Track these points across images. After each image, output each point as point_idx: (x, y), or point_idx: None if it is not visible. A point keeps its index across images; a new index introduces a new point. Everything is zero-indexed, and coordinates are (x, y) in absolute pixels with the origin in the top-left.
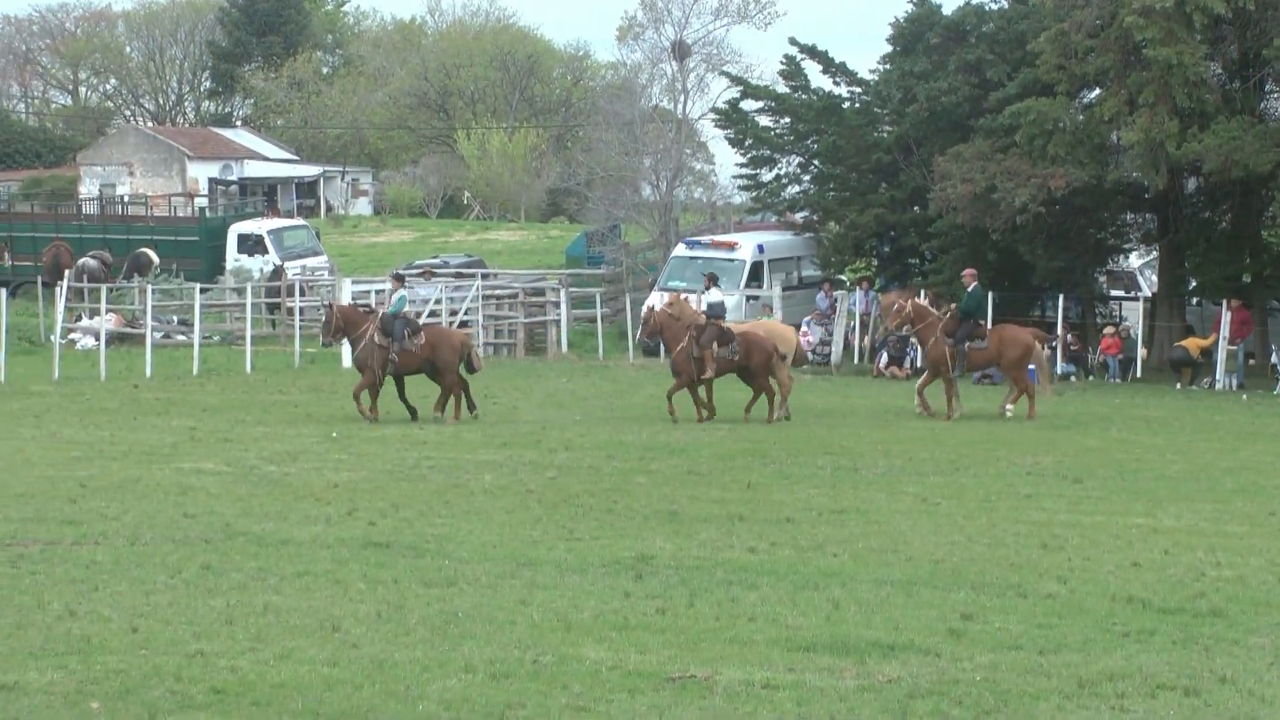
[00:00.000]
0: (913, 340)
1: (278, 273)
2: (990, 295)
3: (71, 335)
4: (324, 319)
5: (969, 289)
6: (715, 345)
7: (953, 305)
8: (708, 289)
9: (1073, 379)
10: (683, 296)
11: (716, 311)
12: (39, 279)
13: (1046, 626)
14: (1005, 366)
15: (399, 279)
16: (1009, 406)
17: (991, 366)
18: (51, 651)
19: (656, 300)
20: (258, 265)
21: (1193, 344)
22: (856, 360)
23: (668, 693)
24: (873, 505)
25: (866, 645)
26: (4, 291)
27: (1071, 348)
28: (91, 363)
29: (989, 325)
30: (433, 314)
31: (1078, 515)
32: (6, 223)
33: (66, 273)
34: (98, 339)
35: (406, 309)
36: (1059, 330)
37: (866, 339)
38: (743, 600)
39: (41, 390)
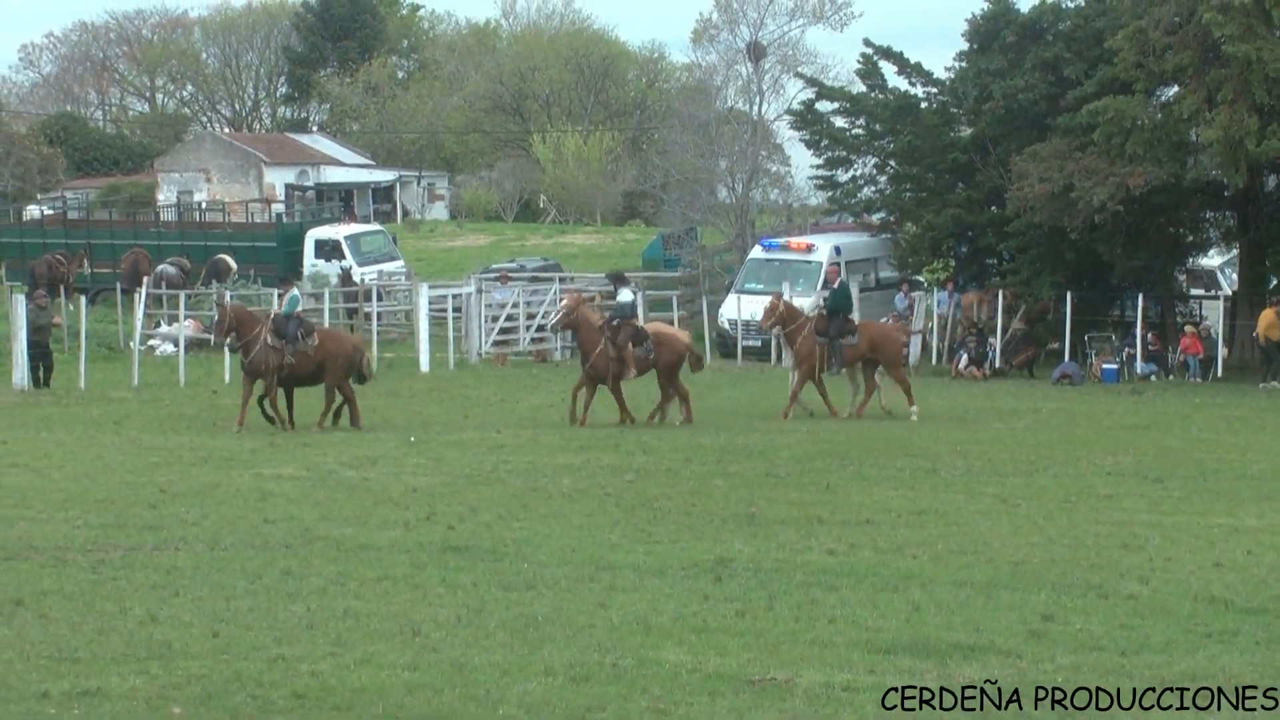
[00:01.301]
0: (991, 341)
1: (348, 276)
2: (1068, 295)
3: (150, 341)
4: (215, 318)
5: (834, 285)
6: (630, 345)
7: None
8: (617, 289)
9: (1153, 378)
10: (588, 300)
11: (626, 312)
12: (118, 286)
13: (1128, 627)
14: (884, 363)
15: (287, 280)
16: (913, 409)
17: (861, 360)
18: (133, 657)
19: (732, 304)
20: (335, 270)
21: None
22: (935, 361)
23: (748, 695)
24: (952, 507)
25: (947, 647)
26: (84, 298)
27: (1150, 347)
28: (170, 369)
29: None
30: (510, 318)
31: (1159, 515)
32: (85, 230)
33: (145, 279)
34: (176, 345)
35: (299, 309)
36: (1138, 329)
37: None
38: (822, 602)
39: (121, 396)
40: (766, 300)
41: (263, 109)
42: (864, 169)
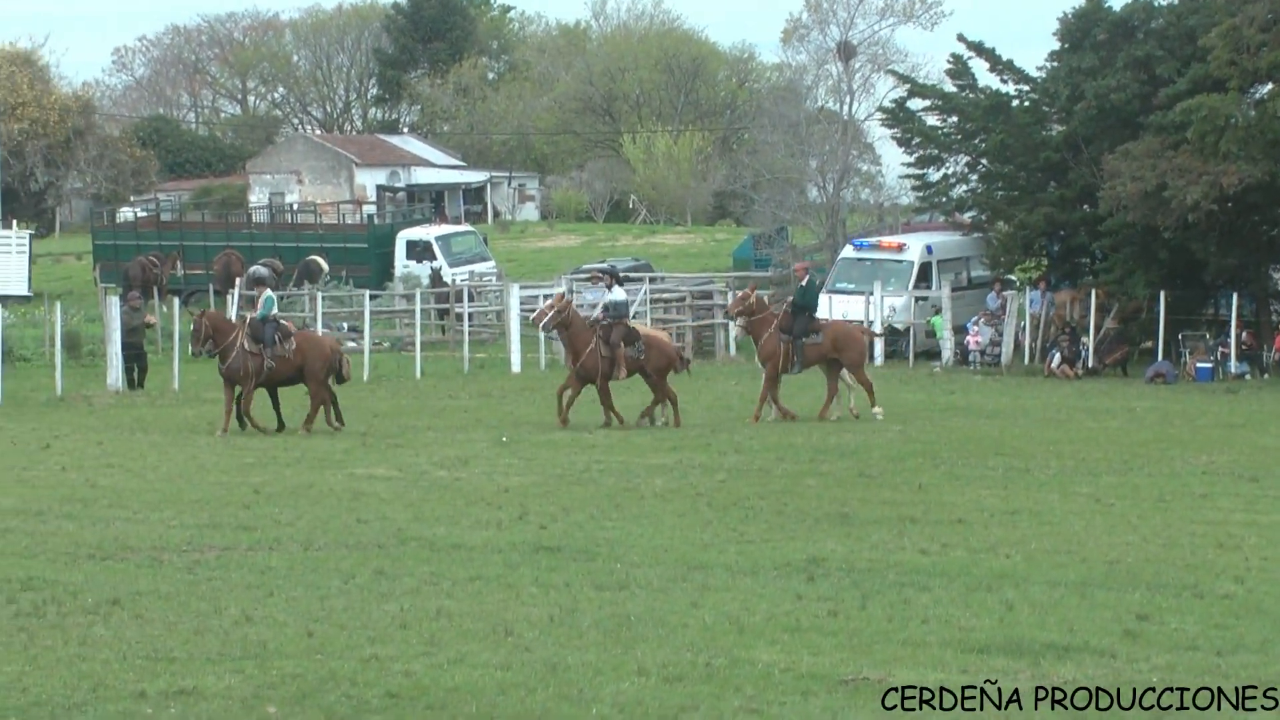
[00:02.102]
0: (1084, 340)
1: (439, 277)
2: (1162, 294)
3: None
4: (193, 327)
5: (802, 283)
6: (622, 345)
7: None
8: (610, 287)
9: (1247, 377)
10: (570, 301)
11: (620, 311)
12: (210, 287)
13: (1224, 627)
14: (847, 365)
15: (260, 281)
16: (876, 410)
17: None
18: (228, 656)
19: (824, 304)
20: (426, 271)
21: None
22: (1027, 360)
23: (841, 695)
24: (1045, 506)
25: (1041, 647)
26: (177, 300)
27: (1245, 346)
28: None
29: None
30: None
31: (1254, 514)
32: (178, 232)
33: (237, 281)
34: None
35: (275, 311)
36: (1232, 328)
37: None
38: (915, 602)
39: (215, 397)
40: (858, 299)
41: (354, 111)
42: (955, 167)
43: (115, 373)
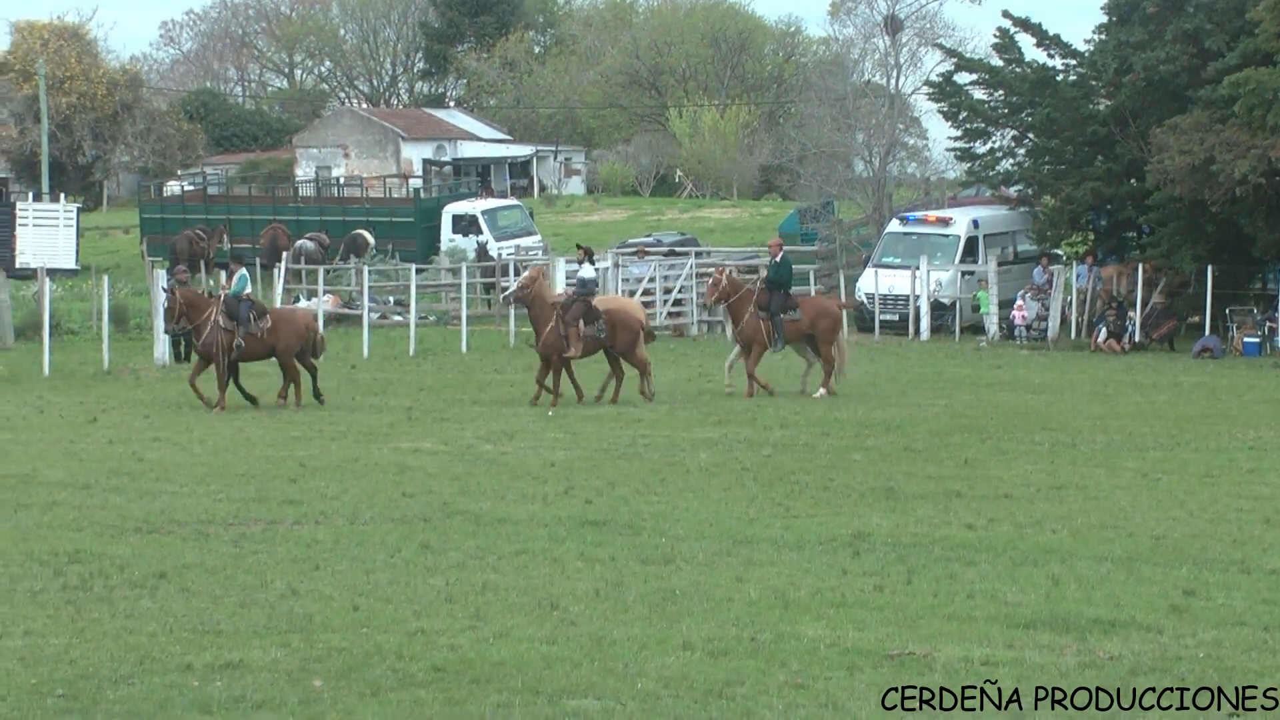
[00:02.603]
0: (1130, 314)
1: (484, 251)
2: (1209, 268)
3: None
4: (166, 305)
5: (776, 259)
6: (581, 323)
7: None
8: (580, 263)
9: None
10: (540, 275)
11: (587, 288)
12: (257, 261)
13: (1271, 603)
14: (819, 338)
15: (238, 260)
16: (821, 391)
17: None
18: (275, 630)
19: (870, 278)
20: (472, 245)
21: None
22: (1074, 335)
23: (886, 669)
24: (1092, 481)
25: (1087, 622)
26: (223, 273)
27: None
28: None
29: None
30: (647, 292)
31: None
32: (225, 206)
33: (284, 255)
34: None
35: (249, 289)
36: None
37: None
38: (961, 577)
39: (261, 370)
40: (904, 274)
41: (400, 85)
42: (1002, 141)
43: (162, 346)
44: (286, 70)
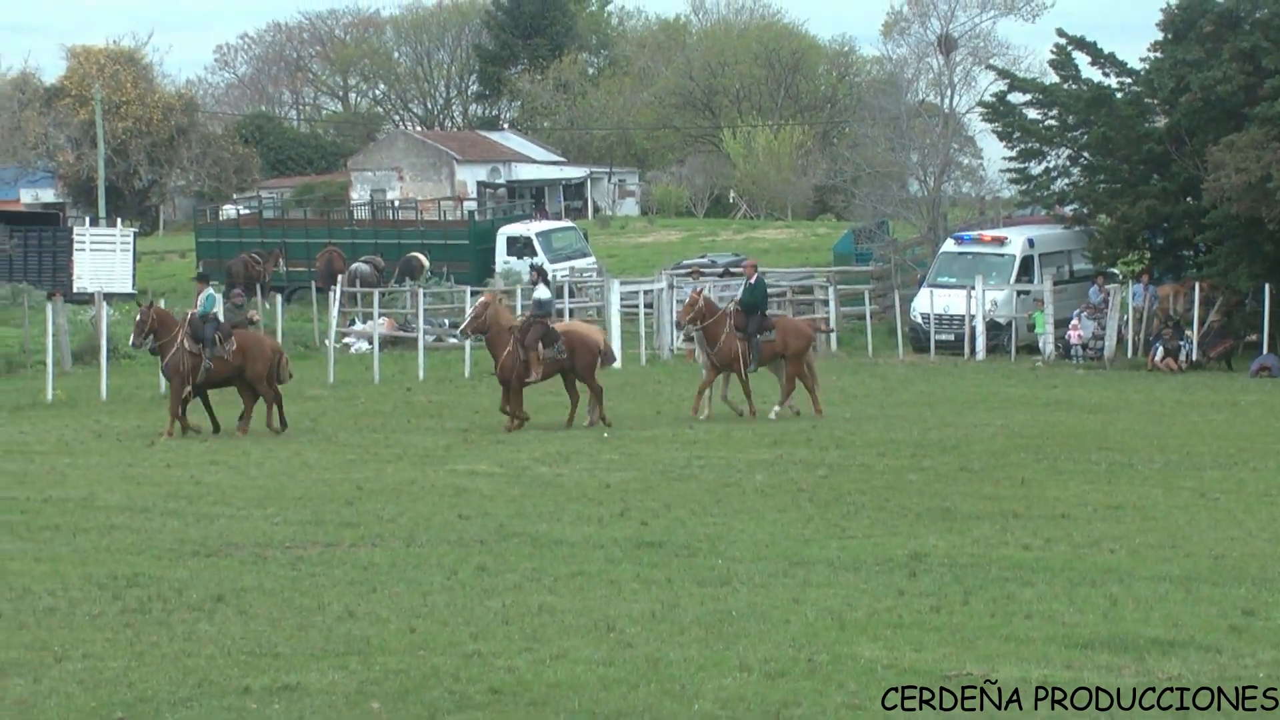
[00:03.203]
0: (1187, 333)
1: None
2: (1266, 286)
3: (345, 339)
4: (138, 319)
5: (750, 281)
6: (540, 346)
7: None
8: (535, 284)
9: None
10: (500, 299)
11: (545, 309)
12: (313, 284)
13: None
14: (789, 358)
15: (204, 278)
16: (779, 407)
17: (778, 358)
18: (332, 652)
19: (925, 298)
20: (526, 267)
21: None
22: (1130, 354)
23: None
24: (1149, 500)
25: (1145, 642)
26: (279, 297)
27: None
28: (365, 366)
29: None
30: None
31: None
32: (280, 229)
33: (339, 277)
34: (371, 343)
35: (217, 310)
36: None
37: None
38: (1018, 597)
39: (316, 394)
40: (959, 294)
41: (454, 107)
42: (1057, 161)
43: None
44: (341, 93)
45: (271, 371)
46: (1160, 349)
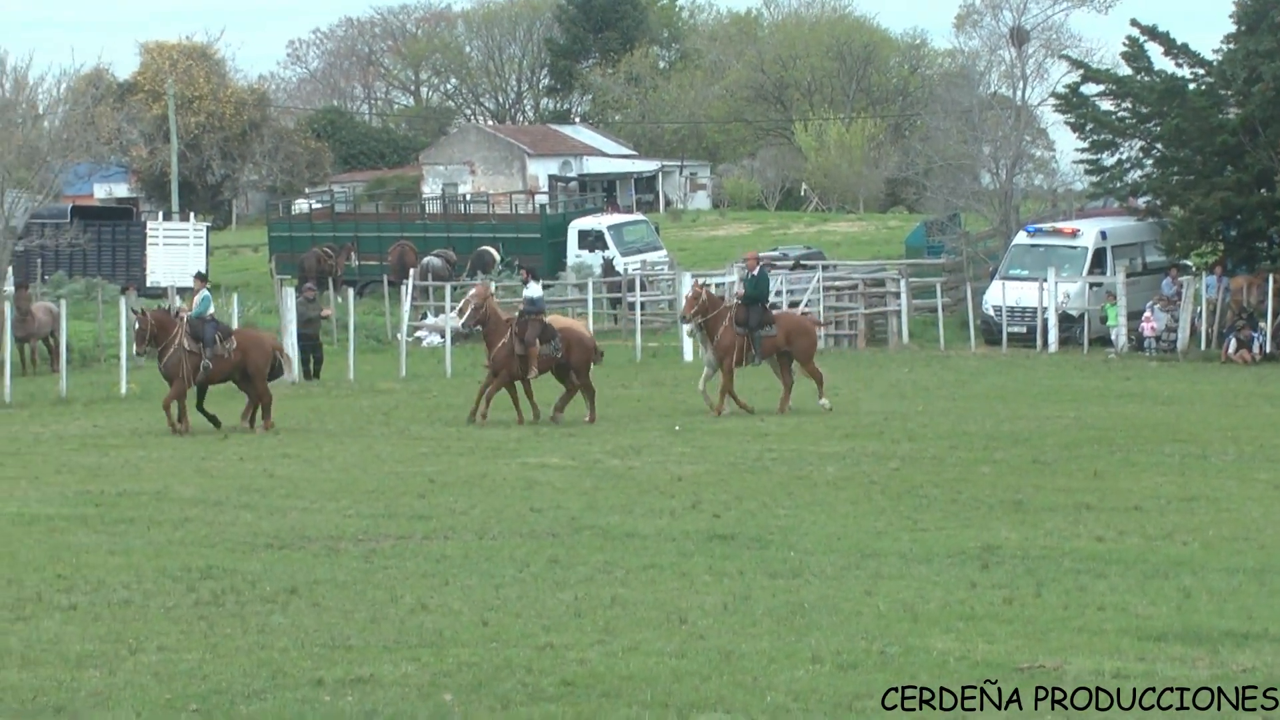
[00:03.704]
0: (1261, 325)
1: (610, 267)
2: None
3: (417, 333)
4: (136, 326)
5: (753, 274)
6: (538, 343)
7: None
8: (525, 282)
9: None
10: (490, 292)
11: (537, 307)
12: (385, 278)
13: None
14: (797, 356)
15: (201, 277)
16: (823, 401)
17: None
18: (405, 644)
19: (997, 290)
20: (598, 261)
21: None
22: (1203, 346)
23: (1017, 683)
24: (1223, 492)
25: (1219, 634)
26: (351, 291)
27: None
28: (437, 360)
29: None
30: (773, 306)
31: None
32: (352, 223)
33: (411, 271)
34: (443, 336)
35: (212, 310)
36: None
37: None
38: (1091, 589)
39: (389, 388)
40: (1031, 286)
41: (525, 101)
42: (1130, 152)
43: (291, 364)
44: (413, 88)
45: (262, 369)
46: (1234, 341)
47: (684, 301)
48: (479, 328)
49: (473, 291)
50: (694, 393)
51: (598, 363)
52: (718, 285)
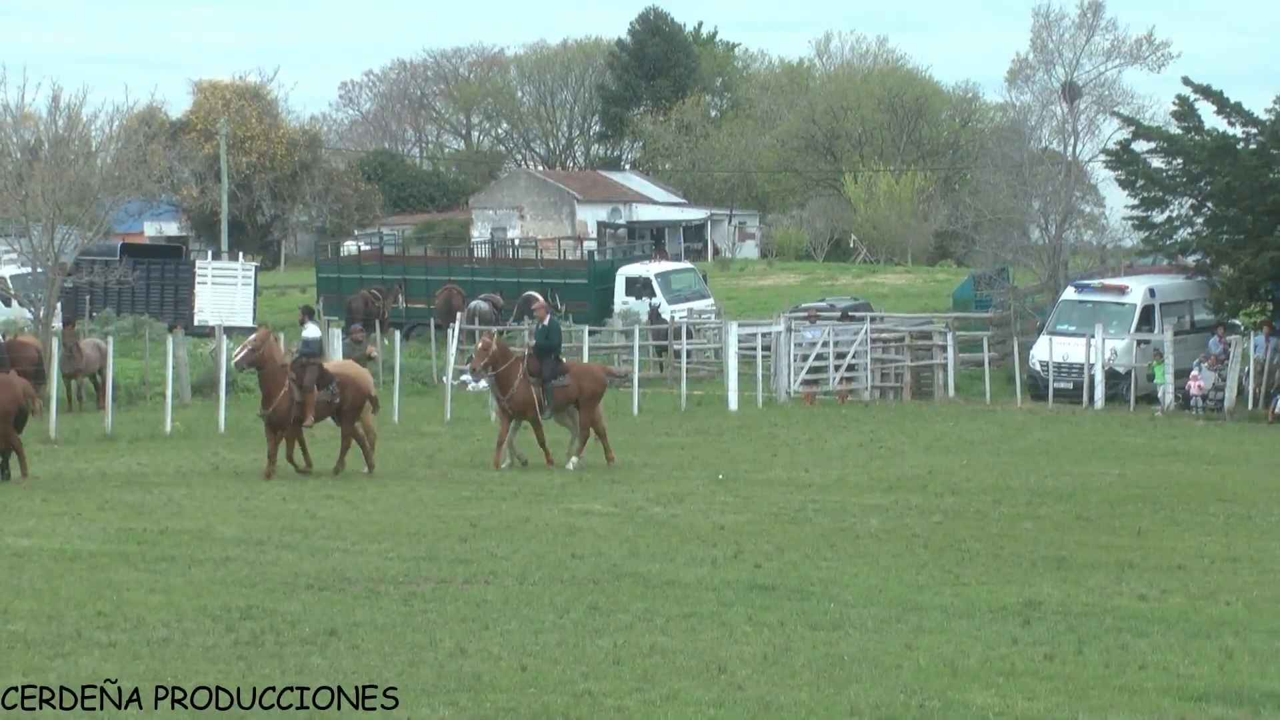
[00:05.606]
0: None
1: (657, 314)
2: None
3: (463, 377)
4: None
5: (544, 323)
6: (315, 389)
7: None
8: (303, 323)
9: None
10: (272, 336)
11: (313, 350)
12: (432, 321)
13: None
14: (583, 403)
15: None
16: (576, 458)
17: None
18: (443, 689)
19: (1044, 346)
20: (645, 308)
21: None
22: (1250, 406)
23: None
24: (1267, 553)
25: (1261, 695)
26: (398, 333)
27: None
28: (482, 403)
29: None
30: (819, 357)
31: None
32: (401, 265)
33: (458, 315)
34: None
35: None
36: None
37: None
38: (1133, 648)
39: (433, 431)
40: (1079, 342)
41: (576, 147)
42: (1180, 210)
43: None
44: (464, 132)
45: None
46: None
47: (474, 353)
48: (252, 369)
49: (256, 334)
50: (737, 441)
51: (375, 409)
52: (764, 335)
